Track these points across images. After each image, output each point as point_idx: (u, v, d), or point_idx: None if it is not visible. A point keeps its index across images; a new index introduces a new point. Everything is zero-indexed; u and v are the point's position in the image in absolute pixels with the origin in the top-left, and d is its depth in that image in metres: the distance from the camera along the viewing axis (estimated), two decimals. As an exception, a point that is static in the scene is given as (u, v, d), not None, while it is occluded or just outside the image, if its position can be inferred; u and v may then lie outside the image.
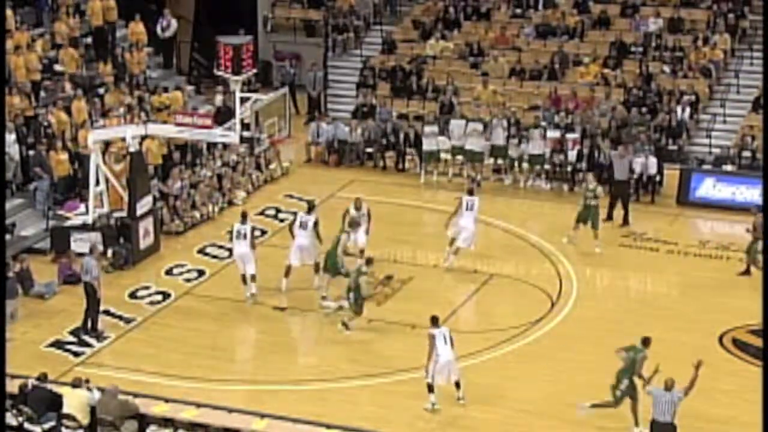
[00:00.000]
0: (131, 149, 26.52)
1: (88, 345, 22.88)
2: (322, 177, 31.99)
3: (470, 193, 26.34)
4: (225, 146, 30.67)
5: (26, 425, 18.91)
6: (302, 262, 24.80)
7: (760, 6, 34.55)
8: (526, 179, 31.55)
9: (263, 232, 27.86)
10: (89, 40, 33.62)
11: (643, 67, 34.62)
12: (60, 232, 26.73)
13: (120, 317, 23.97)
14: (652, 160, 30.43)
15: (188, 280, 25.81)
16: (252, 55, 25.45)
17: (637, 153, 30.40)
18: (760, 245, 25.72)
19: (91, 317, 23.22)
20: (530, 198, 30.97)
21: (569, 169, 31.24)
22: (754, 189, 29.58)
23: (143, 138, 27.70)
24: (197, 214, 28.76)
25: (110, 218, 26.77)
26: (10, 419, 18.81)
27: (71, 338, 23.07)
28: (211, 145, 30.86)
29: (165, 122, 28.76)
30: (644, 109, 32.94)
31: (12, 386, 19.06)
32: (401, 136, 32.77)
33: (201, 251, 27.23)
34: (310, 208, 25.31)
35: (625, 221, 28.71)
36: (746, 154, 31.52)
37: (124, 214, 26.66)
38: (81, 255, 24.89)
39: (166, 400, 19.59)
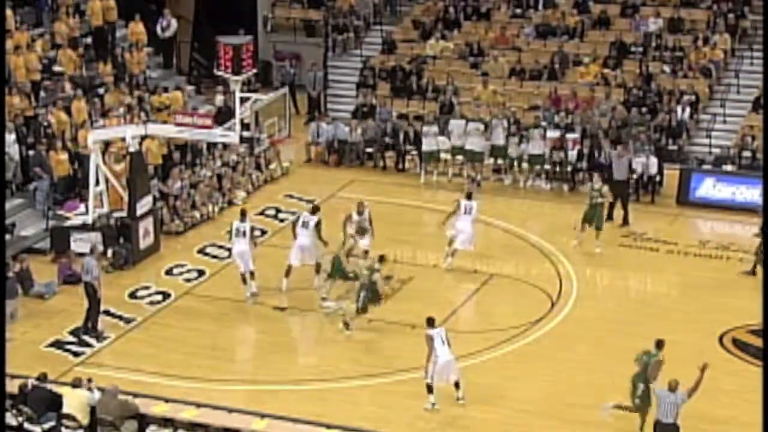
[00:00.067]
0: (131, 149, 26.52)
1: (88, 345, 22.88)
2: (322, 177, 31.98)
3: (468, 197, 26.34)
4: (225, 146, 30.68)
5: (26, 425, 18.91)
6: (302, 263, 24.80)
7: (760, 6, 34.55)
8: (526, 179, 31.55)
9: (263, 232, 27.86)
10: (89, 40, 33.61)
11: (643, 67, 34.62)
12: (60, 232, 26.73)
13: (120, 317, 23.97)
14: (653, 160, 30.43)
15: (188, 280, 25.81)
16: (252, 55, 25.45)
17: (637, 153, 30.41)
18: None
19: (91, 317, 23.22)
20: (530, 198, 30.96)
21: (569, 169, 31.24)
22: (754, 189, 29.58)
23: (143, 138, 27.69)
24: (197, 214, 28.75)
25: (110, 218, 26.77)
26: (10, 419, 18.80)
27: (71, 338, 23.07)
28: (211, 145, 30.86)
29: (165, 122, 28.76)
30: (644, 109, 32.94)
31: (12, 386, 19.06)
32: (401, 136, 32.78)
33: (201, 251, 27.23)
34: (315, 209, 25.30)
35: (625, 221, 28.70)
36: (746, 154, 31.52)
37: (124, 214, 26.66)
38: (81, 255, 24.91)
39: (166, 400, 19.59)
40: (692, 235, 28.75)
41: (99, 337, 23.10)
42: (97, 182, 26.69)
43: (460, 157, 31.83)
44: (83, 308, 23.32)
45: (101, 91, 31.57)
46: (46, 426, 18.88)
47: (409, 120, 33.40)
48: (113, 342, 23.08)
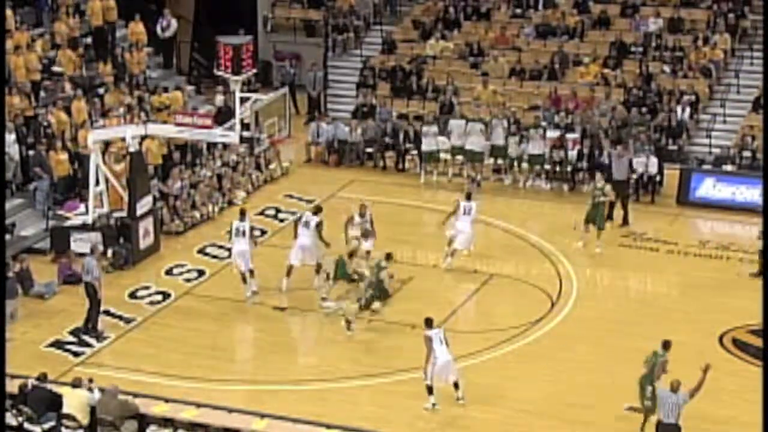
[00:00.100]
0: (131, 149, 26.52)
1: (88, 345, 22.88)
2: (322, 177, 31.98)
3: (468, 197, 26.35)
4: (225, 146, 30.68)
5: (26, 425, 18.91)
6: (303, 263, 24.79)
7: (760, 6, 34.54)
8: (526, 179, 31.55)
9: (263, 232, 27.85)
10: (89, 40, 33.61)
11: (643, 67, 34.62)
12: (60, 232, 26.73)
13: (120, 317, 23.96)
14: (653, 160, 30.43)
15: (188, 280, 25.80)
16: (252, 55, 25.44)
17: (637, 153, 30.41)
18: None
19: (91, 317, 23.21)
20: (530, 198, 30.96)
21: (569, 168, 31.24)
22: (754, 189, 29.58)
23: (143, 138, 27.69)
24: (197, 214, 28.75)
25: (110, 218, 26.76)
26: (10, 419, 18.80)
27: (71, 338, 23.07)
28: (211, 145, 30.86)
29: (165, 122, 28.76)
30: (644, 109, 32.95)
31: (12, 386, 19.06)
32: (401, 136, 32.78)
33: (201, 251, 27.23)
34: (317, 210, 25.30)
35: (625, 221, 28.69)
36: (746, 154, 31.51)
37: (124, 214, 26.65)
38: (81, 255, 24.91)
39: (166, 400, 19.59)
40: (692, 235, 28.75)
41: (99, 337, 23.10)
42: (97, 182, 26.69)
43: (459, 157, 31.83)
44: (83, 308, 23.32)
45: (101, 91, 31.58)
46: (46, 426, 18.88)
47: (409, 120, 33.41)
48: (113, 342, 23.08)
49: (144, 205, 26.70)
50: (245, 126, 26.13)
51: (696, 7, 36.53)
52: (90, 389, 19.00)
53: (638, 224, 28.76)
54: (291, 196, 30.57)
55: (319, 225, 24.74)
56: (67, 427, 18.88)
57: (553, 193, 31.13)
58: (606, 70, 34.88)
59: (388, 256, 23.75)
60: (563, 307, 24.56)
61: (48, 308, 24.39)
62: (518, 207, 30.38)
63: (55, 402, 18.95)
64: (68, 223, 26.96)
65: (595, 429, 19.99)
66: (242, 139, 26.39)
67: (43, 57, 31.13)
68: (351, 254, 24.22)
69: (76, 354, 22.52)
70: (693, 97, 33.37)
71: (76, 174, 28.56)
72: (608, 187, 27.28)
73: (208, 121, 26.42)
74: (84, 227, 26.56)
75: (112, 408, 18.78)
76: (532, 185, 31.44)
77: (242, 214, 25.02)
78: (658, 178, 30.57)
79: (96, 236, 26.13)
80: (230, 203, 29.68)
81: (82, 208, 27.28)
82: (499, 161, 31.86)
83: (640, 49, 35.37)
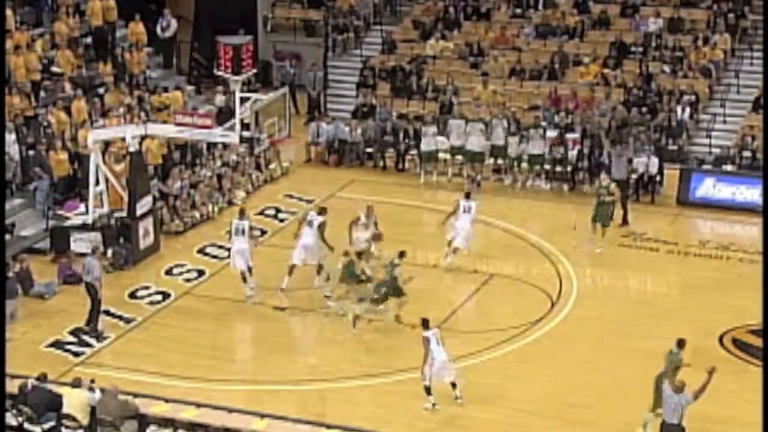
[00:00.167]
0: (131, 149, 26.52)
1: (88, 345, 22.87)
2: (322, 177, 31.98)
3: (467, 196, 26.36)
4: (225, 146, 30.67)
5: (26, 425, 18.91)
6: (304, 262, 24.79)
7: (760, 6, 34.54)
8: (525, 179, 31.55)
9: (263, 232, 27.86)
10: (89, 40, 33.61)
11: (643, 67, 34.62)
12: (60, 232, 26.73)
13: (120, 317, 23.96)
14: (654, 160, 30.44)
15: (188, 280, 25.80)
16: (252, 55, 25.44)
17: (637, 153, 30.42)
18: None
19: (89, 317, 23.21)
20: (530, 198, 30.96)
21: (569, 168, 31.24)
22: (754, 189, 29.58)
23: (143, 138, 27.68)
24: (197, 214, 28.76)
25: (110, 218, 26.76)
26: (10, 419, 18.80)
27: (71, 338, 23.07)
28: (211, 145, 30.86)
29: (165, 122, 28.75)
30: (644, 109, 32.95)
31: (12, 386, 19.06)
32: (401, 135, 32.77)
33: (201, 251, 27.23)
34: (321, 210, 25.29)
35: (624, 221, 28.68)
36: (746, 154, 31.51)
37: (124, 214, 26.65)
38: (81, 255, 24.92)
39: (166, 400, 19.59)
40: (692, 235, 28.75)
41: (99, 337, 23.10)
42: (97, 182, 26.69)
43: (459, 157, 31.83)
44: (83, 308, 23.33)
45: (101, 91, 31.57)
46: (46, 426, 18.88)
47: (408, 120, 33.41)
48: (113, 342, 23.08)
49: (144, 205, 26.70)
50: (245, 126, 26.13)
51: (696, 7, 36.54)
52: (91, 389, 19.00)
53: (638, 224, 28.76)
54: (291, 196, 30.57)
55: (321, 225, 24.74)
56: (67, 427, 18.89)
57: (553, 193, 31.13)
58: (606, 70, 34.89)
59: (402, 254, 23.72)
60: (563, 307, 24.56)
61: (48, 308, 24.39)
62: (518, 207, 30.39)
63: (55, 402, 18.95)
64: (68, 223, 26.96)
65: (595, 429, 19.99)
66: (242, 139, 26.39)
67: (43, 57, 31.13)
68: (359, 255, 24.22)
69: (76, 354, 22.52)
70: (693, 97, 33.37)
71: (76, 174, 28.56)
72: (613, 186, 27.31)
73: (208, 121, 26.41)
74: (84, 227, 26.56)
75: (112, 408, 18.78)
76: (532, 185, 31.44)
77: (242, 213, 25.05)
78: (658, 178, 30.56)
79: (96, 236, 26.13)
80: (230, 203, 29.68)
81: (82, 208, 27.28)
82: (499, 161, 31.87)
83: (640, 49, 35.38)
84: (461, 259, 26.08)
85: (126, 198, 26.70)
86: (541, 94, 34.52)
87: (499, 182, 31.77)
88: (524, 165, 31.53)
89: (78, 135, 28.75)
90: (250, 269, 24.54)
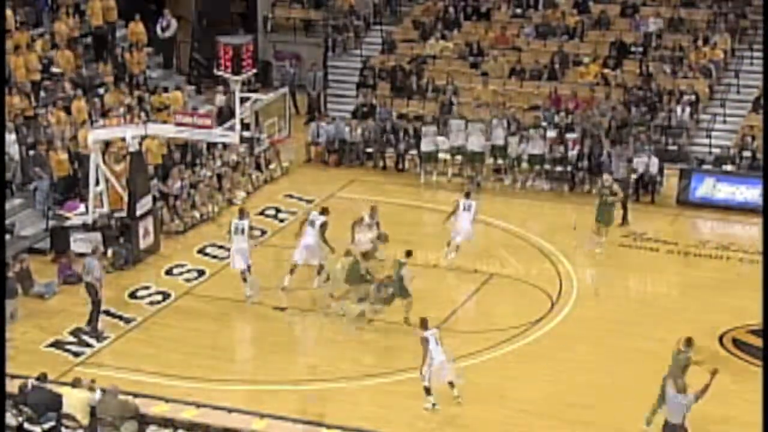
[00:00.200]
0: (131, 149, 26.52)
1: (88, 345, 22.87)
2: (322, 177, 31.98)
3: (467, 195, 26.39)
4: (225, 146, 30.67)
5: (26, 425, 18.91)
6: (306, 262, 24.79)
7: (761, 6, 34.52)
8: (525, 179, 31.55)
9: (263, 232, 27.86)
10: (89, 40, 33.61)
11: (643, 67, 34.62)
12: (60, 232, 26.72)
13: (120, 317, 23.96)
14: (654, 160, 30.45)
15: (188, 280, 25.81)
16: (252, 55, 25.43)
17: (637, 153, 30.43)
18: None
19: (90, 317, 23.21)
20: (530, 198, 30.97)
21: (569, 168, 31.23)
22: (754, 189, 29.59)
23: (143, 138, 27.67)
24: (197, 214, 28.76)
25: (110, 218, 26.76)
26: (10, 419, 18.80)
27: (71, 338, 23.06)
28: (211, 145, 30.86)
29: (165, 122, 28.75)
30: (644, 109, 32.95)
31: (12, 386, 19.05)
32: (401, 135, 32.77)
33: (201, 251, 27.23)
34: (324, 210, 25.30)
35: (624, 221, 28.69)
36: (746, 154, 31.51)
37: (124, 214, 26.65)
38: (81, 255, 24.92)
39: (166, 400, 19.59)
40: (692, 235, 28.75)
41: (99, 337, 23.10)
42: (97, 182, 26.70)
43: (459, 157, 31.83)
44: (83, 308, 23.34)
45: (101, 91, 31.57)
46: (46, 426, 18.88)
47: (408, 119, 33.41)
48: (113, 342, 23.08)
49: (144, 205, 26.69)
50: (245, 126, 26.13)
51: (696, 7, 36.53)
52: (91, 389, 19.00)
53: (638, 224, 28.76)
54: (291, 196, 30.58)
55: (323, 225, 24.75)
56: (67, 427, 18.88)
57: (553, 193, 31.13)
58: (606, 70, 34.88)
59: (408, 254, 23.72)
60: (563, 307, 24.56)
61: (48, 308, 24.39)
62: (518, 207, 30.39)
63: (55, 402, 18.95)
64: (68, 223, 26.96)
65: (595, 429, 19.99)
66: (242, 139, 26.39)
67: (43, 57, 31.13)
68: (364, 255, 24.18)
69: (76, 354, 22.52)
70: (693, 97, 33.37)
71: (76, 174, 28.56)
72: (616, 186, 27.33)
73: (208, 121, 26.41)
74: (84, 227, 26.56)
75: (112, 408, 18.78)
76: (532, 185, 31.44)
77: (241, 212, 25.05)
78: (658, 178, 30.57)
79: (96, 236, 26.12)
80: (230, 202, 29.69)
81: (82, 208, 27.28)
82: (499, 161, 31.87)
83: (640, 49, 35.37)
84: (461, 259, 26.08)
85: (126, 198, 26.70)
86: (541, 94, 34.52)
87: (499, 182, 31.77)
88: (524, 165, 31.53)
89: (78, 135, 28.75)
90: (249, 268, 24.53)
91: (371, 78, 36.10)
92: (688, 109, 33.00)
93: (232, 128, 26.39)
